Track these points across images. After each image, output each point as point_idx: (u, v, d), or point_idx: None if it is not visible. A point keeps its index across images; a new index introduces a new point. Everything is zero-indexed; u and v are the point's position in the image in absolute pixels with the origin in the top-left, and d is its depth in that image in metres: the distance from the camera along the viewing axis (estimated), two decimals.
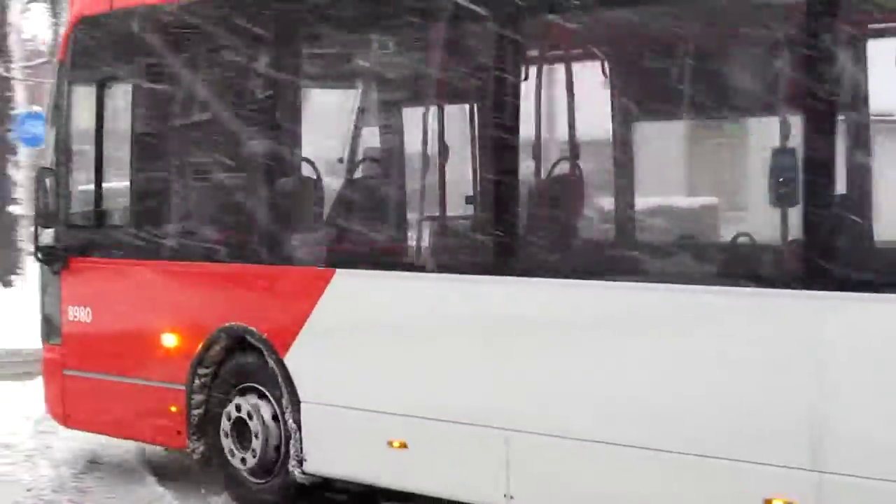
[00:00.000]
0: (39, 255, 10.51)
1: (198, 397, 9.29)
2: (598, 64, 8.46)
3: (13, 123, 26.50)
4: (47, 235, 10.45)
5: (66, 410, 10.51)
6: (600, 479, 7.29)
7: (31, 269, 17.67)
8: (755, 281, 6.54)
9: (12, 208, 27.22)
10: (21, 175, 26.03)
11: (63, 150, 10.39)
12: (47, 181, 10.31)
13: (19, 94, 27.68)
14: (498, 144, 7.72)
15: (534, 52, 8.03)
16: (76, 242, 10.28)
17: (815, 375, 6.20)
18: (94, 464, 10.53)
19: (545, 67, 8.30)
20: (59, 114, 10.49)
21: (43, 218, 10.42)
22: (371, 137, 9.86)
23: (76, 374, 10.32)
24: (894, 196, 8.09)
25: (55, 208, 10.34)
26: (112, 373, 10.00)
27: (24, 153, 26.07)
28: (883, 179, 7.45)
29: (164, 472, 10.35)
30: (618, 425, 7.11)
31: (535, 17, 7.51)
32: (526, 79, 7.68)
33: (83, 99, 10.45)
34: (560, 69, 8.38)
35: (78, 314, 10.29)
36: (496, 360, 7.69)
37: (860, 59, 6.86)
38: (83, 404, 10.36)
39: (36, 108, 25.35)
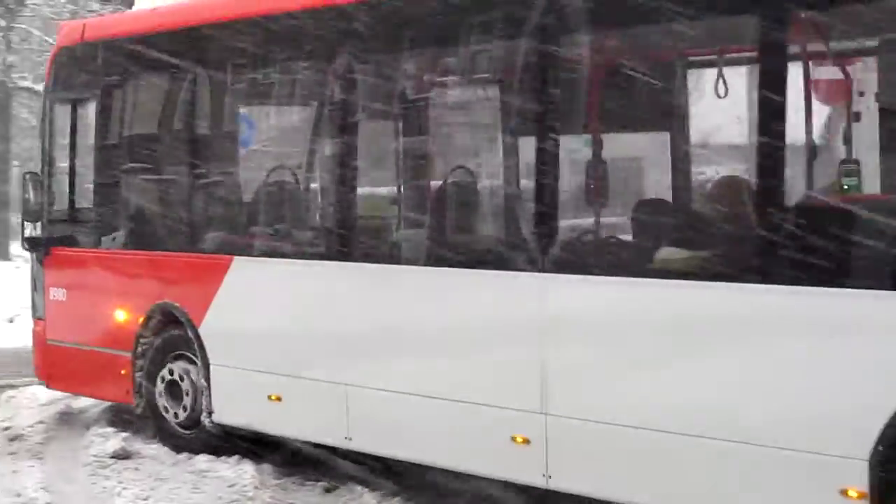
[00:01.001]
0: (26, 245, 12.30)
1: (140, 362, 10.90)
2: None
3: None
4: (32, 228, 12.16)
5: (49, 374, 12.15)
6: (416, 422, 8.78)
7: None
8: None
9: None
10: None
11: (47, 158, 12.13)
12: (33, 184, 11.99)
13: None
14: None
15: None
16: (56, 235, 11.92)
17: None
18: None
19: None
20: (44, 128, 12.22)
21: (29, 214, 12.07)
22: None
23: (56, 343, 11.92)
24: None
25: (40, 206, 11.98)
26: (81, 343, 11.58)
27: None
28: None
29: None
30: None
31: None
32: None
33: (62, 116, 12.14)
34: None
35: (57, 294, 11.90)
36: (341, 333, 9.28)
37: None
38: (62, 369, 11.95)
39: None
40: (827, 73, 8.14)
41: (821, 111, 7.81)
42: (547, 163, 7.99)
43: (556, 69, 7.97)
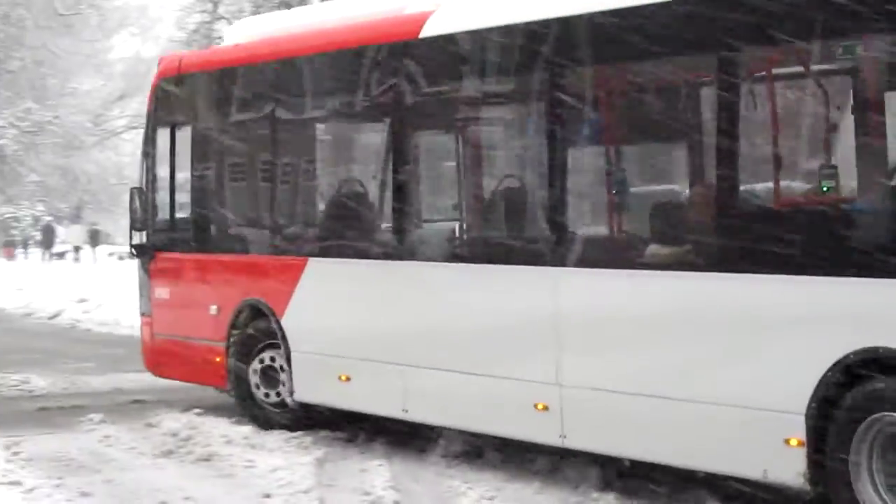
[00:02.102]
0: (133, 251, 13.81)
1: (232, 351, 12.34)
2: None
3: None
4: (141, 237, 13.67)
5: (156, 364, 13.73)
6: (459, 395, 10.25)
7: None
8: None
9: None
10: None
11: (150, 175, 13.69)
12: (139, 198, 13.50)
13: None
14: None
15: None
16: (159, 242, 13.43)
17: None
18: None
19: None
20: (147, 149, 13.85)
21: (136, 224, 13.62)
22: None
23: (161, 336, 13.40)
24: None
25: (145, 217, 13.53)
26: (182, 335, 13.11)
27: None
28: None
29: None
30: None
31: None
32: None
33: (162, 138, 13.60)
34: None
35: (161, 293, 13.36)
36: (399, 322, 10.75)
37: None
38: (167, 359, 13.44)
39: None
40: None
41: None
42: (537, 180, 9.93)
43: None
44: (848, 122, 8.27)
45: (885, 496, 7.49)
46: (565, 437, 9.33)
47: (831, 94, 8.45)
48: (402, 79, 10.79)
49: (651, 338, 8.72)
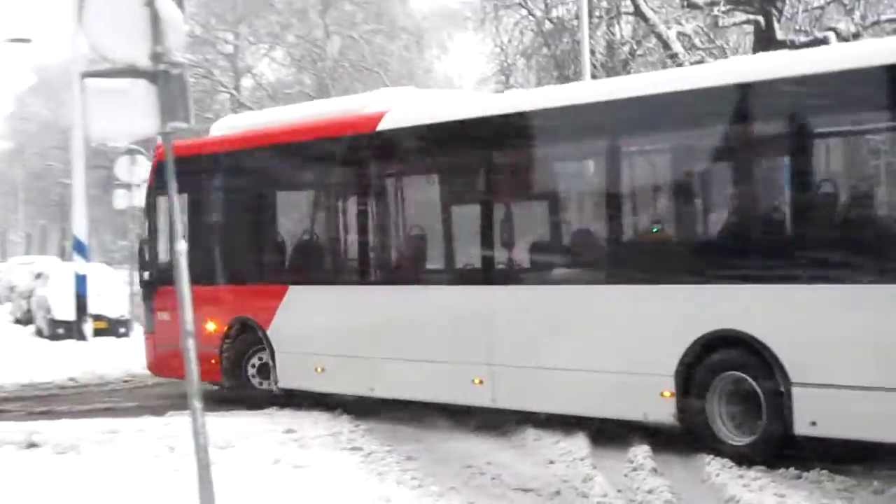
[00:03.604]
0: (142, 287, 17.82)
1: (225, 355, 15.93)
2: None
3: None
4: (145, 275, 17.55)
5: (159, 366, 17.21)
6: (416, 375, 13.59)
7: None
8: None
9: None
10: None
11: (153, 229, 17.35)
12: (146, 246, 17.40)
13: None
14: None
15: None
16: (160, 278, 16.71)
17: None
18: None
19: None
20: (149, 211, 17.56)
21: (143, 266, 17.61)
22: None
23: (163, 347, 16.54)
24: None
25: (148, 260, 17.30)
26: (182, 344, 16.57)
27: None
28: None
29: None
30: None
31: None
32: None
33: (161, 203, 17.13)
34: None
35: (163, 316, 16.62)
36: (365, 326, 14.09)
37: None
38: (165, 362, 16.66)
39: None
40: None
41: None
42: (488, 222, 13.30)
43: None
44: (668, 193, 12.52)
45: (727, 424, 10.92)
46: (495, 400, 12.88)
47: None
48: (361, 161, 14.77)
49: (561, 329, 12.12)
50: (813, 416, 10.14)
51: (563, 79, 31.93)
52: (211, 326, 15.98)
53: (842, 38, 25.90)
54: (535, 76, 35.49)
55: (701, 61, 28.65)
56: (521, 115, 12.97)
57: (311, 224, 16.06)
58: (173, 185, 8.73)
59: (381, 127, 14.01)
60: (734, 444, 10.72)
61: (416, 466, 10.68)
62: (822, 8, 28.18)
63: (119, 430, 12.66)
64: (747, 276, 10.70)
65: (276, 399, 15.38)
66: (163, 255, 16.98)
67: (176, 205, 8.81)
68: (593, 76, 25.88)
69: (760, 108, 11.10)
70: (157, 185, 17.13)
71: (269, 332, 15.36)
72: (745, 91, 11.06)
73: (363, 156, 14.59)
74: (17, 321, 36.32)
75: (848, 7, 27.24)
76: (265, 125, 16.51)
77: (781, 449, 10.40)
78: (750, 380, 10.62)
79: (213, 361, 15.76)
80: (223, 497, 8.20)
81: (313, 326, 14.79)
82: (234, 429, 12.32)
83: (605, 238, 12.34)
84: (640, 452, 10.61)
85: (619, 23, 34.45)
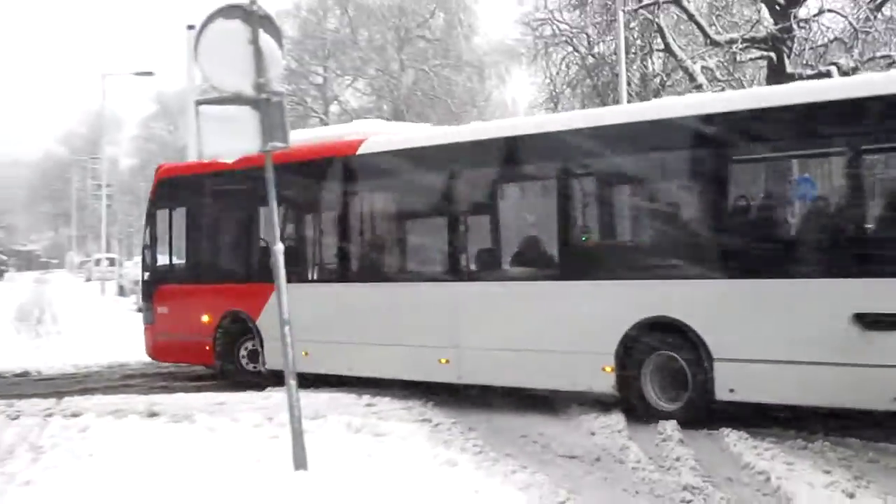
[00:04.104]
0: (143, 286, 18.06)
1: (219, 342, 16.19)
2: None
3: None
4: (146, 276, 17.84)
5: (158, 353, 17.48)
6: (390, 356, 13.57)
7: None
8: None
9: None
10: None
11: (152, 238, 17.53)
12: (147, 252, 17.74)
13: None
14: None
15: None
16: (159, 278, 17.42)
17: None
18: None
19: None
20: (150, 221, 17.55)
21: (145, 268, 17.94)
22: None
23: (161, 337, 17.21)
24: None
25: (149, 263, 17.69)
26: (178, 334, 16.82)
27: None
28: None
29: None
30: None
31: None
32: None
33: (160, 216, 17.30)
34: None
35: (162, 310, 17.20)
36: (344, 317, 14.15)
37: None
38: (163, 349, 17.28)
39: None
40: None
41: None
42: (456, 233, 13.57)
43: None
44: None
45: (657, 394, 11.54)
46: (460, 377, 13.42)
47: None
48: (343, 178, 14.91)
49: (518, 318, 12.60)
50: (731, 384, 11.03)
51: (604, 105, 32.06)
52: (205, 318, 16.49)
53: (842, 72, 27.42)
54: (580, 103, 36.08)
55: (722, 90, 28.61)
56: (464, 144, 13.80)
57: (298, 231, 16.29)
58: (272, 191, 8.94)
59: (360, 151, 14.77)
60: (664, 409, 11.51)
61: (477, 436, 10.90)
62: (825, 46, 28.64)
63: (225, 402, 13.25)
64: (676, 273, 11.56)
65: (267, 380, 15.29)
66: (161, 259, 17.80)
67: (273, 207, 9.00)
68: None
69: (683, 138, 11.81)
70: (157, 200, 17.72)
71: (258, 323, 15.71)
72: (664, 125, 11.82)
73: (345, 174, 15.13)
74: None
75: (848, 45, 27.79)
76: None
77: (704, 413, 11.18)
78: (678, 357, 11.46)
79: (207, 348, 16.44)
80: (313, 459, 8.66)
81: (300, 318, 14.57)
82: (323, 402, 12.67)
83: (558, 242, 12.93)
84: (669, 426, 10.84)
85: (651, 58, 36.12)
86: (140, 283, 18.26)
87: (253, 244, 16.27)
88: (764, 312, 10.80)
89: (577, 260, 12.65)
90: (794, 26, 27.21)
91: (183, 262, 17.42)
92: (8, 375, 18.48)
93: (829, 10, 27.80)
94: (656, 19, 29.41)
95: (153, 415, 12.16)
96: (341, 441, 10.19)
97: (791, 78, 27.21)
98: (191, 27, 26.58)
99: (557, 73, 36.94)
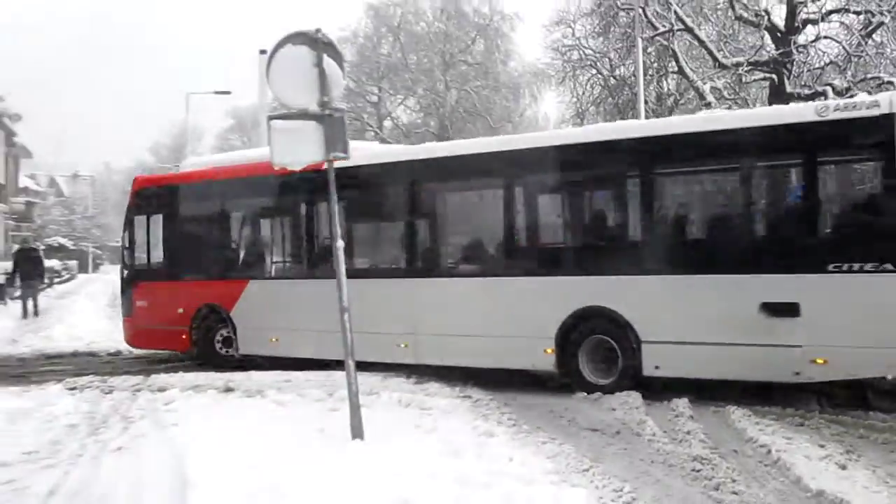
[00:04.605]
0: (122, 283, 17.53)
1: (195, 331, 16.14)
2: None
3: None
4: (126, 274, 17.50)
5: (136, 341, 17.33)
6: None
7: None
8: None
9: None
10: None
11: (130, 240, 17.28)
12: (126, 252, 17.46)
13: None
14: None
15: None
16: (137, 276, 17.21)
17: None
18: None
19: None
20: (129, 226, 17.26)
21: (124, 266, 17.57)
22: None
23: (139, 327, 17.08)
24: None
25: (128, 263, 17.39)
26: (156, 324, 16.65)
27: None
28: None
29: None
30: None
31: None
32: None
33: (138, 221, 17.11)
34: None
35: (140, 304, 17.07)
36: (307, 307, 14.03)
37: None
38: (141, 338, 17.16)
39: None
40: None
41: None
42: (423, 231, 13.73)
43: None
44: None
45: (591, 371, 11.96)
46: (417, 359, 13.56)
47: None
48: (314, 189, 14.37)
49: (469, 308, 12.88)
50: (657, 363, 11.48)
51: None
52: (181, 311, 16.38)
53: (836, 91, 26.47)
54: (603, 119, 35.72)
55: (730, 108, 28.38)
56: (418, 161, 13.97)
57: (271, 234, 16.32)
58: (334, 195, 8.88)
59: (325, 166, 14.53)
60: (597, 384, 11.92)
61: (511, 410, 10.88)
62: (821, 68, 27.97)
63: (292, 380, 13.29)
64: (609, 270, 11.89)
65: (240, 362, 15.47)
66: (139, 260, 17.60)
67: (335, 208, 8.94)
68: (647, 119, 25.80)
69: (610, 160, 12.09)
70: (134, 207, 17.57)
71: (232, 314, 15.82)
72: (591, 149, 12.17)
73: (316, 185, 14.41)
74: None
75: (842, 68, 27.44)
76: (227, 163, 16.81)
77: (632, 386, 11.52)
78: (611, 340, 11.89)
79: (183, 336, 16.37)
80: (368, 429, 8.76)
81: (269, 309, 15.25)
82: (376, 381, 12.72)
83: (504, 244, 13.18)
84: (681, 404, 10.75)
85: (666, 79, 36.18)
86: (119, 280, 17.81)
87: (227, 245, 16.36)
88: (685, 302, 11.25)
89: (521, 259, 12.88)
90: (794, 51, 26.95)
91: (159, 261, 17.05)
92: (102, 354, 18.69)
93: (825, 37, 27.49)
94: (671, 45, 29.21)
95: (229, 390, 12.36)
96: (393, 414, 10.26)
97: (791, 97, 27.20)
98: (263, 52, 26.92)
99: (583, 93, 37.13)
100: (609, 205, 12.75)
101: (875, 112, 10.07)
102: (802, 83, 27.69)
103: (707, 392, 11.24)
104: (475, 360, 12.94)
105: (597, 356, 12.00)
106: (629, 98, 33.61)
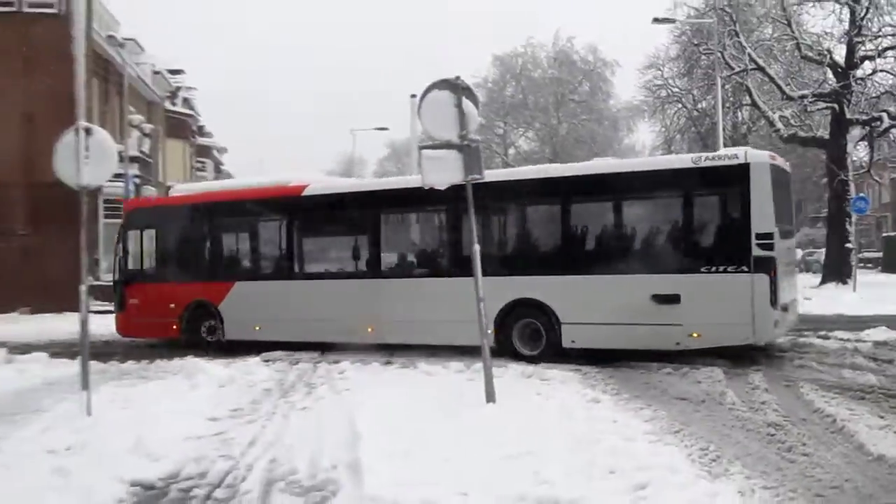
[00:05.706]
0: (115, 285, 16.53)
1: (184, 322, 15.46)
2: None
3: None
4: (118, 277, 16.36)
5: (128, 331, 16.40)
6: (329, 326, 13.75)
7: None
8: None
9: None
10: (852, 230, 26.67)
11: (123, 251, 16.45)
12: (118, 261, 16.49)
13: None
14: None
15: None
16: (129, 279, 16.27)
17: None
18: None
19: None
20: (122, 240, 16.44)
21: (117, 272, 16.49)
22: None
23: (132, 319, 16.14)
24: None
25: (122, 270, 16.40)
26: (148, 317, 15.90)
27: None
28: None
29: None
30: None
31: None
32: None
33: (132, 236, 16.37)
34: None
35: (132, 301, 16.23)
36: (285, 302, 14.06)
37: None
38: (132, 329, 16.33)
39: (861, 194, 27.14)
40: None
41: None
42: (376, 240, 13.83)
43: None
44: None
45: (522, 345, 12.42)
46: (383, 339, 13.68)
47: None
48: (291, 211, 14.74)
49: (426, 300, 12.99)
50: (573, 338, 12.24)
51: (706, 147, 32.89)
52: (172, 306, 15.70)
53: (891, 116, 24.32)
54: (688, 146, 34.91)
55: (795, 134, 27.24)
56: (370, 192, 14.21)
57: (257, 244, 15.69)
58: (471, 206, 8.84)
59: (305, 193, 14.76)
60: (526, 354, 12.43)
61: (614, 381, 10.71)
62: (878, 97, 26.53)
63: (437, 355, 13.07)
64: (537, 271, 12.45)
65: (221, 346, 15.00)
66: (131, 266, 16.49)
67: (472, 218, 8.94)
68: (724, 146, 25.12)
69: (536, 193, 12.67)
70: (127, 224, 16.85)
71: (220, 307, 15.27)
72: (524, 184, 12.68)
73: (293, 209, 14.93)
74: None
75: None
76: (214, 189, 16.83)
77: (554, 357, 12.10)
78: (537, 322, 12.49)
79: (174, 326, 15.70)
80: (499, 395, 8.75)
81: (254, 303, 14.94)
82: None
83: (451, 251, 13.22)
84: (757, 378, 10.56)
85: (741, 111, 34.61)
86: (113, 283, 16.70)
87: (221, 253, 15.70)
88: (595, 294, 12.03)
89: (466, 262, 12.58)
90: (853, 83, 25.80)
91: (150, 266, 16.20)
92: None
93: (881, 70, 26.29)
94: (745, 82, 28.29)
95: (388, 363, 12.38)
96: (518, 383, 10.16)
97: (850, 122, 26.17)
98: (413, 95, 28.00)
99: (670, 124, 37.05)
100: (540, 225, 13.15)
101: (735, 161, 11.38)
102: (860, 111, 26.51)
103: (776, 369, 11.09)
104: (433, 339, 12.94)
105: (526, 334, 12.53)
106: (709, 127, 33.18)
